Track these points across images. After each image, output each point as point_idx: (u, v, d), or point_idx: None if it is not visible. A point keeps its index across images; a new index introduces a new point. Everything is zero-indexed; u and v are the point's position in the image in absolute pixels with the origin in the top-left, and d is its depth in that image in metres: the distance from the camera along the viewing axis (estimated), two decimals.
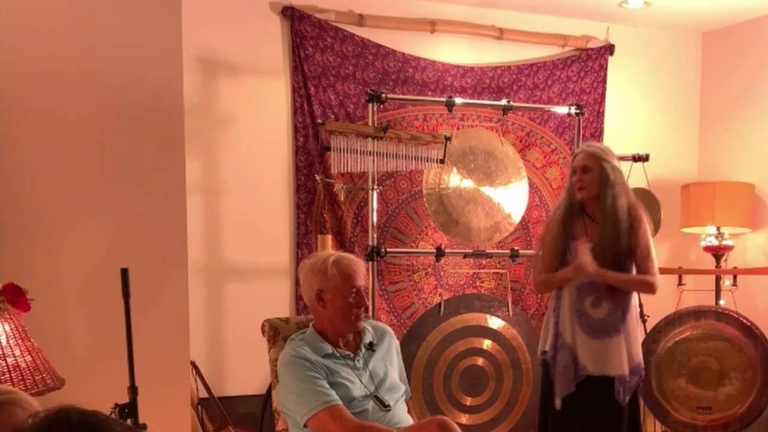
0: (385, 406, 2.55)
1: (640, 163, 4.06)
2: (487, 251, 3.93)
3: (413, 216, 4.23)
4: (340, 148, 3.41)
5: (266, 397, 3.42)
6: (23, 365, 2.18)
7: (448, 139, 3.58)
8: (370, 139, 3.47)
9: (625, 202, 3.10)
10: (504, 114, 3.96)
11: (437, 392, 3.89)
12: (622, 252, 3.10)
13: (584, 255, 3.04)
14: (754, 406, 4.01)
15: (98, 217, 2.78)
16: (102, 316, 2.66)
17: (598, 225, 3.13)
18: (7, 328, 2.20)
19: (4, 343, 2.17)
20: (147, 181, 2.85)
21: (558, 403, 3.15)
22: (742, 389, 4.01)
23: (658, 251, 3.35)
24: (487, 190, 3.89)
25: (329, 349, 2.57)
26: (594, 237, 3.11)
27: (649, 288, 3.15)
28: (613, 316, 3.11)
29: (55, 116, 2.70)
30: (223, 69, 3.89)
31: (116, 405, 2.16)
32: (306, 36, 3.96)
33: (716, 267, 4.35)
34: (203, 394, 3.50)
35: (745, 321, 4.03)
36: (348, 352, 2.61)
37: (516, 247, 4.07)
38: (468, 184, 3.85)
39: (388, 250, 3.76)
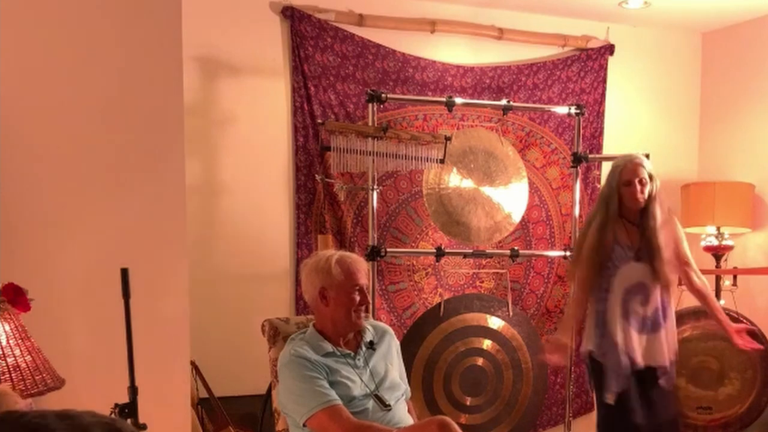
0: (385, 406, 2.55)
1: None
2: (487, 251, 3.93)
3: (413, 216, 4.23)
4: (340, 148, 3.41)
5: (266, 397, 3.42)
6: (23, 365, 2.18)
7: (448, 139, 3.58)
8: (370, 139, 3.47)
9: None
10: (504, 114, 3.96)
11: (437, 392, 3.89)
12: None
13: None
14: (754, 406, 4.01)
15: (98, 217, 2.78)
16: (102, 316, 2.66)
17: (638, 229, 3.31)
18: (7, 328, 2.20)
19: (4, 343, 2.17)
20: (147, 181, 2.85)
21: (611, 398, 3.30)
22: (742, 389, 4.01)
23: None
24: (487, 190, 3.89)
25: (330, 347, 2.57)
26: (635, 241, 3.30)
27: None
28: (657, 313, 3.32)
29: (55, 116, 2.70)
30: (223, 69, 3.89)
31: (116, 405, 2.16)
32: (306, 36, 3.96)
33: (716, 267, 4.34)
34: (203, 394, 3.50)
35: (745, 321, 4.02)
36: (348, 351, 2.61)
37: (516, 247, 4.07)
38: (468, 184, 3.85)
39: (389, 250, 3.75)
